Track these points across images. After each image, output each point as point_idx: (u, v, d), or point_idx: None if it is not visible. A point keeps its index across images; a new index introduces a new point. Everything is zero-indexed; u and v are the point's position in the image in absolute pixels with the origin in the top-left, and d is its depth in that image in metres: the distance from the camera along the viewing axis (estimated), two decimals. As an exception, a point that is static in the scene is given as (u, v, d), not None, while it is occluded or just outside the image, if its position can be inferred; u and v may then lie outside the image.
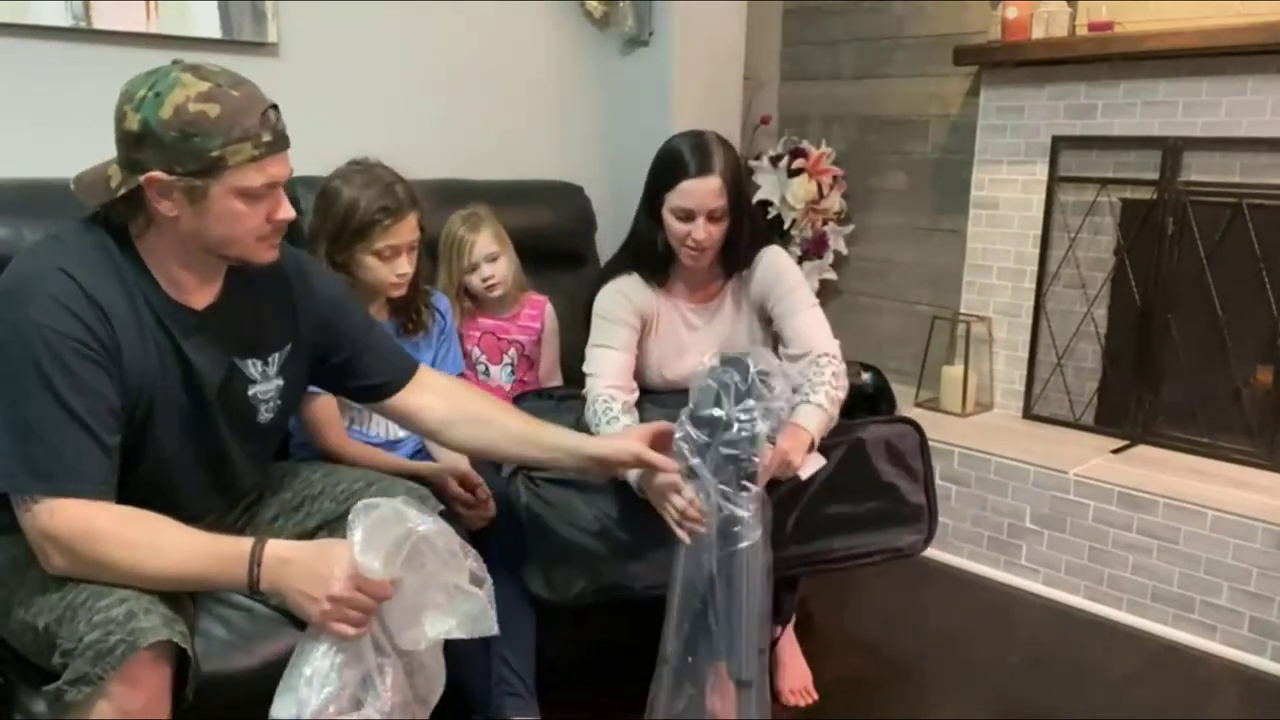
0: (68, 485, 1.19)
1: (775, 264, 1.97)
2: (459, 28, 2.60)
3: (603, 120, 2.94)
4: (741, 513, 1.56)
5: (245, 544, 1.25)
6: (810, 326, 1.93)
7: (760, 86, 3.44)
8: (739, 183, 1.88)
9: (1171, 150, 2.60)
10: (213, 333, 1.36)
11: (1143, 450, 2.70)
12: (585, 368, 1.92)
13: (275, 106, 1.28)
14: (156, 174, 1.20)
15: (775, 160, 3.28)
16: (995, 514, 2.67)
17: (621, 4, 2.78)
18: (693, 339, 1.99)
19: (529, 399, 2.05)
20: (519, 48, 2.74)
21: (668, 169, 1.85)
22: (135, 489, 1.29)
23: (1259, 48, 2.37)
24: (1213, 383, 2.64)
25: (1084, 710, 2.06)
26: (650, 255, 1.92)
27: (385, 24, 2.44)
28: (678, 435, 1.59)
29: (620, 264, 2.00)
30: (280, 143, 1.27)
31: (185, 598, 1.32)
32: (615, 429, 1.77)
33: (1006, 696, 2.11)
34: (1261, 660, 2.25)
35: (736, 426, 1.54)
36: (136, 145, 1.20)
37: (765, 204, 3.22)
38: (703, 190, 1.82)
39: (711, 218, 1.84)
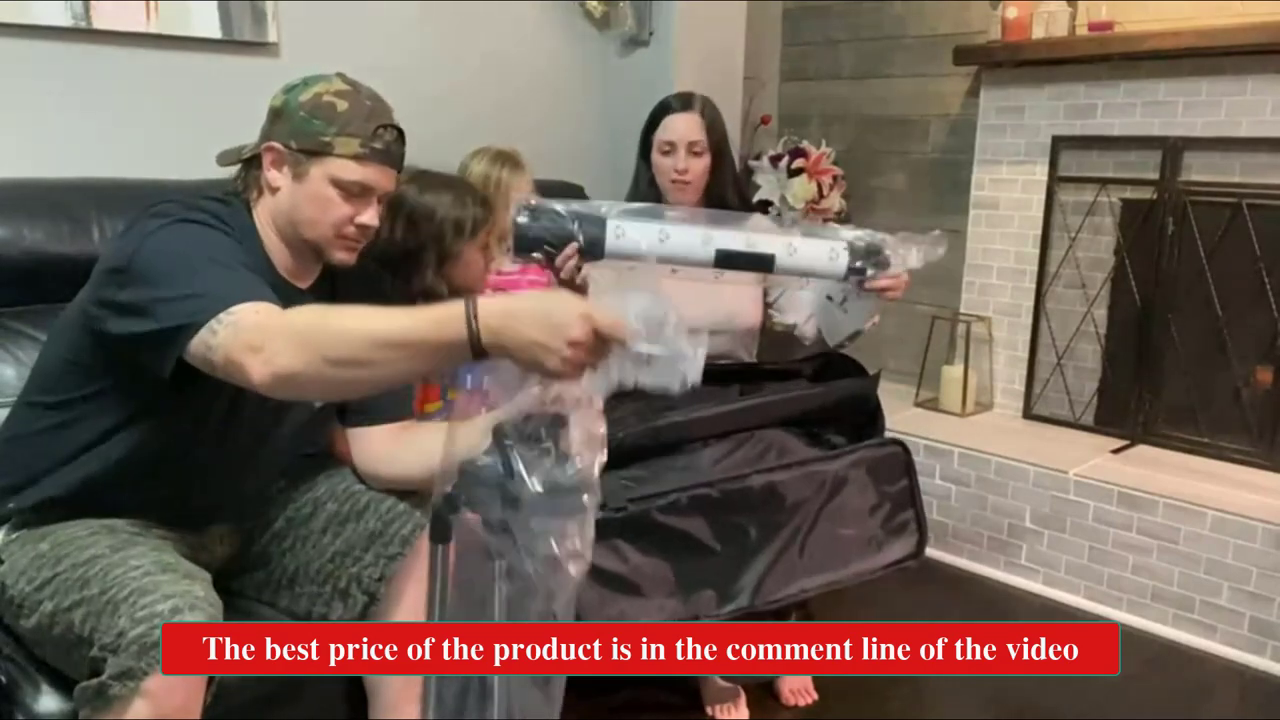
0: (254, 299, 1.18)
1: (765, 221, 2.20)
2: (458, 28, 2.59)
3: (603, 120, 2.94)
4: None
5: (457, 305, 1.06)
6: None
7: (760, 86, 3.44)
8: (719, 128, 2.09)
9: (1171, 150, 2.60)
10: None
11: (1143, 450, 2.70)
12: None
13: (400, 133, 1.40)
14: (276, 144, 1.35)
15: (775, 160, 3.27)
16: (995, 514, 2.67)
17: (621, 4, 2.78)
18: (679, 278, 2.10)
19: None
20: (519, 48, 2.74)
21: (655, 112, 2.09)
22: (170, 438, 1.34)
23: (1259, 48, 2.37)
24: (1213, 383, 2.64)
25: (1084, 710, 2.07)
26: (642, 197, 2.12)
27: (385, 24, 2.44)
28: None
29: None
30: (387, 157, 1.38)
31: (216, 599, 1.30)
32: None
33: (1006, 696, 2.11)
34: (1261, 660, 2.25)
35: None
36: (273, 119, 1.37)
37: (765, 204, 3.22)
38: (683, 124, 2.04)
39: (692, 150, 2.04)
